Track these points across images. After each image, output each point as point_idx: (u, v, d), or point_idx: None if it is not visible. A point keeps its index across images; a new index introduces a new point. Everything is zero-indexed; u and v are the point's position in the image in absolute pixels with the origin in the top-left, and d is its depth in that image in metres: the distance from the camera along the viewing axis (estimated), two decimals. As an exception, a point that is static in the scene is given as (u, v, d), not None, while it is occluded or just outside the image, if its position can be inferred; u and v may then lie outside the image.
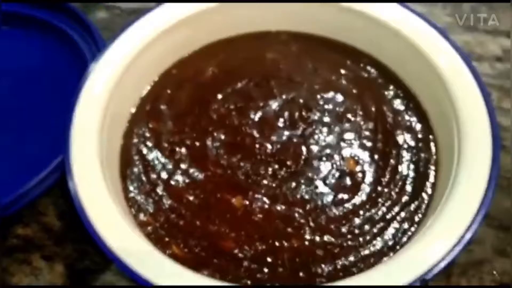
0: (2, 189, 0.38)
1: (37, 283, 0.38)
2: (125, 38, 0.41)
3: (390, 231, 0.36)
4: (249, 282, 0.33)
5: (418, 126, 0.41)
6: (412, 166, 0.39)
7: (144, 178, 0.39)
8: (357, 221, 0.36)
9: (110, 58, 0.40)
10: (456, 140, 0.36)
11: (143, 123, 0.42)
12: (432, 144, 0.40)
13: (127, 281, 0.37)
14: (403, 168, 0.39)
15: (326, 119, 0.41)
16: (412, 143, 0.40)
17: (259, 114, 0.42)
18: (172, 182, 0.38)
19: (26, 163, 0.42)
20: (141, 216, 0.37)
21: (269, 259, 0.34)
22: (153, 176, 0.39)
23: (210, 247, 0.35)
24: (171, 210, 0.37)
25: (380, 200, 0.37)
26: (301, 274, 0.34)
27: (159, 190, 0.38)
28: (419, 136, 0.40)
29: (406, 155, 0.39)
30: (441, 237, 0.31)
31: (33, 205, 0.42)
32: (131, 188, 0.38)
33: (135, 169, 0.39)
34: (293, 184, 0.38)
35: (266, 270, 0.34)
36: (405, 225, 0.36)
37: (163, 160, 0.39)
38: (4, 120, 0.45)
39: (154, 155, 0.40)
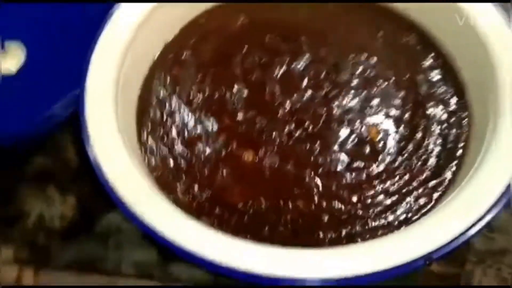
0: (25, 117, 0.39)
1: (48, 211, 0.40)
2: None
3: (404, 205, 0.33)
4: (248, 236, 0.32)
5: (453, 100, 0.38)
6: (439, 141, 0.36)
7: (158, 123, 0.38)
8: (370, 191, 0.34)
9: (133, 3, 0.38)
10: (491, 119, 0.33)
11: (166, 68, 0.41)
12: (465, 121, 0.37)
13: (129, 223, 0.37)
14: (429, 142, 0.36)
15: (354, 82, 0.39)
16: (444, 117, 0.37)
17: (283, 69, 0.40)
18: (187, 129, 0.38)
19: (49, 95, 0.41)
20: (152, 160, 0.37)
21: (271, 217, 0.33)
22: (169, 121, 0.38)
23: (214, 198, 0.34)
24: (181, 156, 0.36)
25: (398, 172, 0.35)
26: (302, 236, 0.32)
27: (172, 135, 0.37)
28: (452, 110, 0.37)
29: (435, 129, 0.36)
30: (456, 216, 0.29)
31: (55, 140, 0.43)
32: (144, 131, 0.38)
33: (151, 113, 0.39)
34: (308, 145, 0.36)
35: (267, 227, 0.33)
36: (422, 201, 0.34)
37: (180, 107, 0.39)
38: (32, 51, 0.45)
39: (172, 101, 0.39)
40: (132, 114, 0.38)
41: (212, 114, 0.38)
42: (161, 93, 0.40)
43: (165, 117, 0.38)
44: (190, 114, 0.38)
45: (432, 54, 0.40)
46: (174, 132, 0.38)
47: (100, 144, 0.33)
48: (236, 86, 0.39)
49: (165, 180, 0.35)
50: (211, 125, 0.38)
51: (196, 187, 0.35)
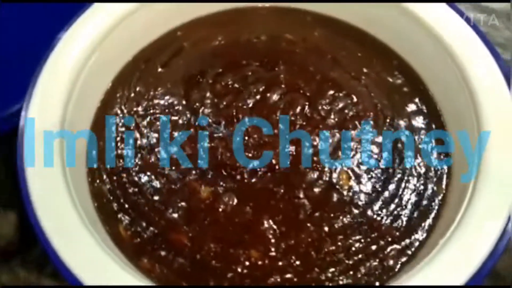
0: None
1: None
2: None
3: (367, 267, 0.30)
4: (184, 284, 0.29)
5: (435, 152, 0.35)
6: (414, 198, 0.33)
7: (112, 144, 0.35)
8: (331, 247, 0.31)
9: (97, 13, 0.35)
10: (472, 179, 0.30)
11: (128, 85, 0.38)
12: (445, 178, 0.34)
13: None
14: (402, 197, 0.33)
15: (330, 120, 0.36)
16: (422, 170, 0.34)
17: (256, 99, 0.37)
18: (141, 154, 0.34)
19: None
20: (98, 186, 0.33)
21: (219, 267, 0.30)
22: (122, 144, 0.35)
23: (159, 236, 0.31)
24: (131, 184, 0.33)
25: (364, 227, 0.31)
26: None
27: (126, 161, 0.34)
28: (433, 163, 0.34)
29: (411, 182, 0.33)
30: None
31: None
32: (93, 152, 0.34)
33: (106, 132, 0.35)
34: (271, 186, 0.33)
35: (211, 280, 0.29)
36: (386, 264, 0.30)
37: (138, 128, 0.35)
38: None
39: (131, 122, 0.36)
40: (83, 136, 0.35)
41: (174, 141, 0.35)
42: (118, 114, 0.36)
43: (120, 138, 0.35)
44: (147, 137, 0.35)
45: (418, 99, 0.37)
46: (128, 158, 0.34)
47: (35, 173, 0.29)
48: (203, 110, 0.36)
49: (109, 210, 0.32)
50: (170, 150, 0.34)
51: (141, 221, 0.31)
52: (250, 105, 0.36)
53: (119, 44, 0.36)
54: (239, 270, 0.30)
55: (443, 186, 0.33)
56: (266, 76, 0.38)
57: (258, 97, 0.37)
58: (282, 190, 0.33)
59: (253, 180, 0.33)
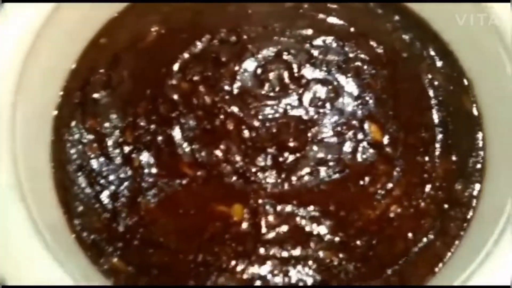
0: None
1: None
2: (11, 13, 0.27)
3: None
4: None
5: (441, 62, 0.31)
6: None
7: (96, 206, 0.27)
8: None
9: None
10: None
11: (76, 123, 0.29)
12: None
13: None
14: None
15: (326, 75, 0.31)
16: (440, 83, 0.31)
17: (236, 83, 0.30)
18: (138, 205, 0.27)
19: None
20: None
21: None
22: (107, 201, 0.27)
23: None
24: (147, 245, 0.26)
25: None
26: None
27: (122, 220, 0.27)
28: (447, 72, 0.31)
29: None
30: None
31: None
32: (76, 222, 0.26)
33: (79, 195, 0.27)
34: (303, 171, 0.28)
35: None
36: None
37: (117, 173, 0.28)
38: None
39: (102, 169, 0.28)
40: (53, 203, 0.26)
41: (165, 169, 0.28)
42: (83, 162, 0.28)
43: (100, 196, 0.27)
44: (134, 179, 0.28)
45: (397, 17, 0.33)
46: (123, 214, 0.27)
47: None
48: (182, 120, 0.29)
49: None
50: (170, 184, 0.27)
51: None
52: (234, 92, 0.30)
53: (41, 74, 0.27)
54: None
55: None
56: (233, 52, 0.31)
57: (237, 81, 0.30)
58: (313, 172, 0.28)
59: (282, 176, 0.28)
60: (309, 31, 0.32)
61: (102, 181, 0.28)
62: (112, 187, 0.27)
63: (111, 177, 0.28)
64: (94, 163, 0.28)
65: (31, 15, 0.27)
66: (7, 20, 0.26)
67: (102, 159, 0.28)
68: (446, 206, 0.28)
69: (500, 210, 0.25)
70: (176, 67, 0.31)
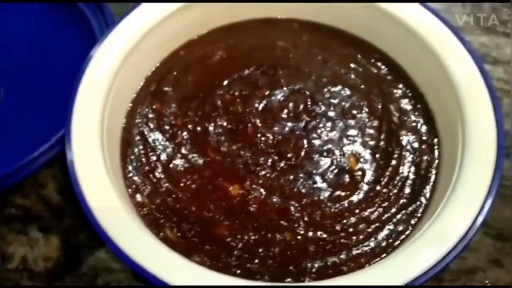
0: (4, 159, 0.39)
1: (32, 254, 0.39)
2: (135, 17, 0.41)
3: (384, 232, 0.35)
4: (238, 271, 0.33)
5: (424, 128, 0.40)
6: (413, 169, 0.38)
7: (143, 159, 0.39)
8: (352, 219, 0.36)
9: (117, 36, 0.39)
10: (460, 145, 0.36)
11: (147, 103, 0.42)
12: (435, 148, 0.39)
13: (118, 261, 0.37)
14: (404, 170, 0.38)
15: (331, 113, 0.41)
16: (416, 145, 0.39)
17: (263, 103, 0.41)
18: (171, 165, 0.38)
19: (29, 135, 0.42)
20: (138, 197, 0.37)
21: (260, 250, 0.34)
22: (153, 158, 0.39)
23: (203, 233, 0.35)
24: (167, 193, 0.37)
25: (377, 200, 0.37)
26: (290, 268, 0.34)
27: (158, 172, 0.38)
28: (424, 138, 0.40)
29: (408, 157, 0.39)
30: (434, 243, 0.31)
31: (34, 177, 0.42)
32: (129, 168, 0.38)
33: (135, 150, 0.39)
34: (291, 177, 0.37)
35: (256, 260, 0.34)
36: (400, 227, 0.36)
37: (163, 142, 0.39)
38: (10, 91, 0.45)
39: (155, 137, 0.40)
40: (116, 152, 0.38)
41: (196, 148, 0.39)
42: (144, 130, 0.40)
43: (149, 153, 0.39)
44: (173, 149, 0.39)
45: (402, 85, 0.42)
46: (159, 169, 0.38)
47: (88, 182, 0.33)
48: (218, 119, 0.40)
49: (153, 217, 0.36)
50: (196, 159, 0.39)
51: (184, 223, 0.35)
52: (260, 109, 0.41)
53: (136, 65, 0.40)
54: (277, 249, 0.34)
55: (436, 155, 0.39)
56: (269, 81, 0.42)
57: (264, 101, 0.41)
58: (301, 179, 0.37)
59: (275, 174, 0.38)
60: (329, 80, 0.43)
61: (152, 144, 0.39)
62: (158, 152, 0.39)
63: (159, 145, 0.39)
64: (151, 133, 0.40)
65: (143, 24, 0.40)
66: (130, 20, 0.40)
67: (157, 132, 0.40)
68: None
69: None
70: (225, 82, 0.43)
